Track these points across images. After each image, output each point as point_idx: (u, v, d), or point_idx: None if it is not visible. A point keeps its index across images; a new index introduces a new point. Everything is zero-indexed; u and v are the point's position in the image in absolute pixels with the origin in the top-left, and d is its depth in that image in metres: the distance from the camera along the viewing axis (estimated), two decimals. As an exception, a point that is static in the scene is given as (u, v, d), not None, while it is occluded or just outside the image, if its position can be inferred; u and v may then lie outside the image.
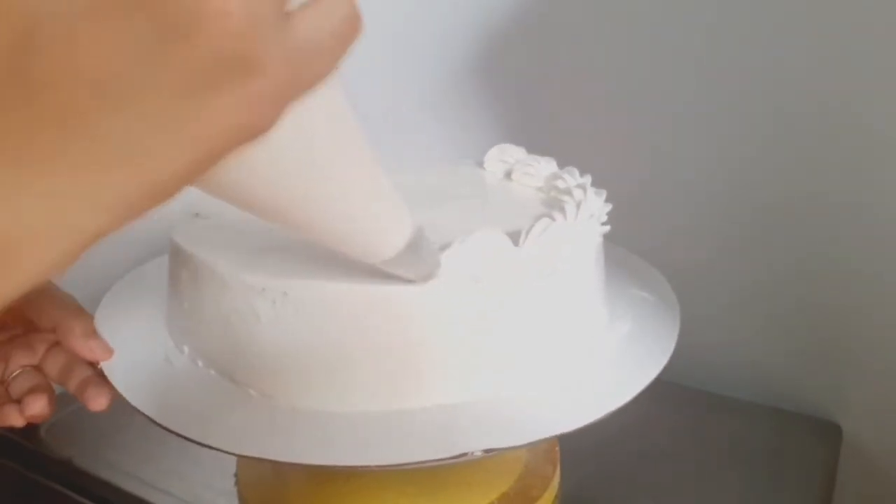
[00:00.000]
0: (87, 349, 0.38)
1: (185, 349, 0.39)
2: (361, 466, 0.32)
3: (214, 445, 0.33)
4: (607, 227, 0.41)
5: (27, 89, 0.16)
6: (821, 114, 0.52)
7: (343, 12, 0.20)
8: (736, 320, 0.60)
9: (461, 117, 0.66)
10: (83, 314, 0.40)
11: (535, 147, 0.49)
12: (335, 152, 0.23)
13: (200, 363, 0.39)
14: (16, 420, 0.37)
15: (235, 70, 0.17)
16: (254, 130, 0.18)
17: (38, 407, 0.37)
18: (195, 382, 0.38)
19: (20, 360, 0.39)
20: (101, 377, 0.38)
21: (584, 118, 0.61)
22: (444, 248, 0.34)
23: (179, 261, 0.39)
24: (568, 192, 0.41)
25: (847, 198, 0.53)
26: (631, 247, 0.49)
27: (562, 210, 0.39)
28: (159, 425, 0.34)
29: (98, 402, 0.37)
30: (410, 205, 0.30)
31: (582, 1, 0.59)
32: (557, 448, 0.47)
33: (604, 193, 0.41)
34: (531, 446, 0.34)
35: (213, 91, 0.17)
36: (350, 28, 0.20)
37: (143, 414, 0.35)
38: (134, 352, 0.39)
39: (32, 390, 0.38)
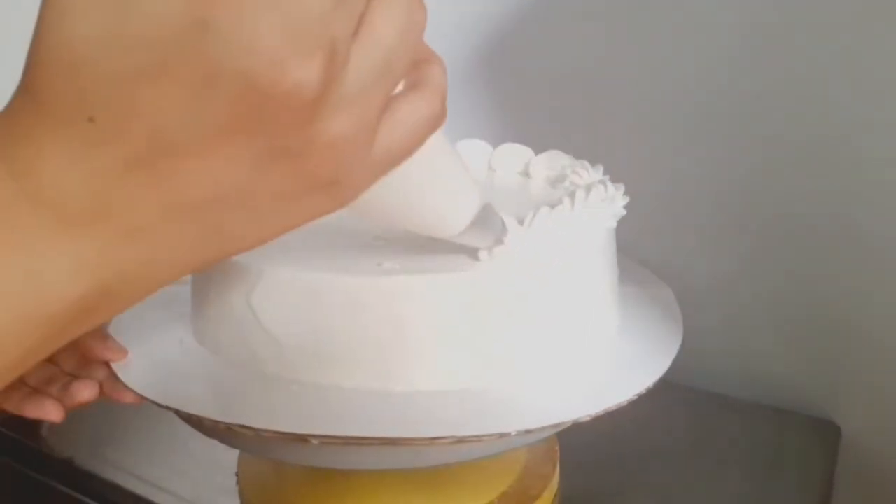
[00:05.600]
0: (103, 349, 0.38)
1: (199, 341, 0.40)
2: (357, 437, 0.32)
3: (213, 417, 0.33)
4: (618, 216, 0.41)
5: (155, 186, 0.18)
6: (827, 128, 0.53)
7: (425, 112, 0.22)
8: (735, 320, 0.60)
9: (463, 116, 0.66)
10: None
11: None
12: (421, 172, 0.26)
13: (209, 349, 0.39)
14: (55, 414, 0.36)
15: (326, 186, 0.20)
16: (325, 215, 0.21)
17: (87, 392, 0.37)
18: (203, 369, 0.38)
19: None
20: (116, 377, 0.38)
21: (590, 125, 0.61)
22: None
23: None
24: (583, 185, 0.42)
25: (847, 209, 0.54)
26: (635, 255, 0.49)
27: (570, 197, 0.39)
28: (159, 405, 0.35)
29: (129, 394, 0.37)
30: None
31: (588, 3, 0.59)
32: (557, 447, 0.47)
33: (622, 187, 0.42)
34: (527, 435, 0.33)
35: (304, 198, 0.20)
36: (431, 124, 0.22)
37: (153, 401, 0.35)
38: (149, 345, 0.40)
39: (54, 379, 0.38)
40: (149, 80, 0.16)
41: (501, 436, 0.33)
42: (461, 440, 0.32)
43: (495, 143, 0.50)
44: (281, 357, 0.36)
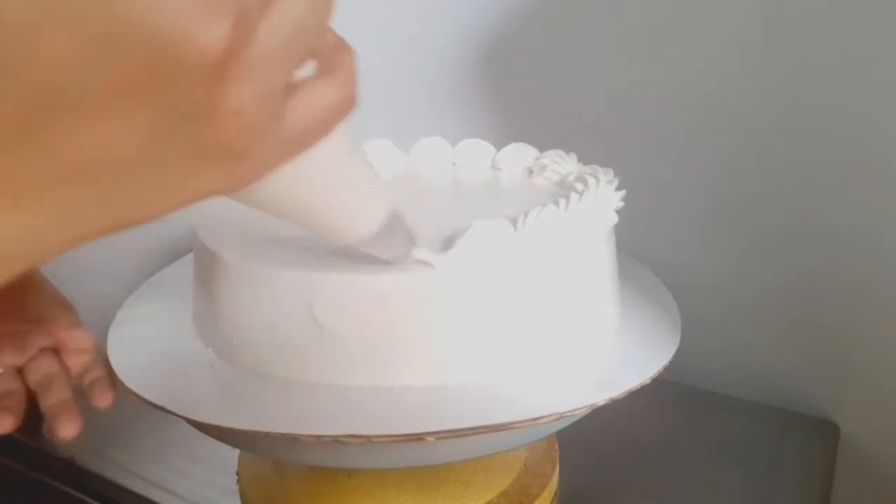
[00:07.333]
0: (70, 338, 0.40)
1: (202, 342, 0.40)
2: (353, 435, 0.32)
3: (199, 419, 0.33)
4: (615, 216, 0.41)
5: (38, 146, 0.17)
6: (828, 131, 0.53)
7: (335, 96, 0.21)
8: (736, 321, 0.60)
9: (465, 116, 0.66)
10: (68, 307, 0.41)
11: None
12: (329, 165, 0.25)
13: (205, 347, 0.39)
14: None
15: (229, 157, 0.19)
16: (228, 192, 0.21)
17: (7, 424, 0.38)
18: (198, 369, 0.38)
19: (6, 360, 0.40)
20: (75, 402, 0.39)
21: (590, 124, 0.61)
22: (449, 239, 0.35)
23: (200, 255, 0.40)
24: (581, 180, 0.42)
25: (847, 210, 0.54)
26: (635, 254, 0.50)
27: (567, 197, 0.39)
28: (168, 411, 0.35)
29: (68, 427, 0.38)
30: (426, 196, 0.31)
31: (588, 3, 0.59)
32: (557, 447, 0.47)
33: (615, 181, 0.42)
34: (514, 428, 0.33)
35: (205, 169, 0.19)
36: (340, 109, 0.22)
37: (153, 404, 0.35)
38: (149, 346, 0.40)
39: (5, 395, 0.39)
40: (46, 30, 0.15)
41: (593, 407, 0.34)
42: (562, 416, 0.33)
43: (495, 143, 0.51)
44: (343, 364, 0.35)
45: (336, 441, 0.32)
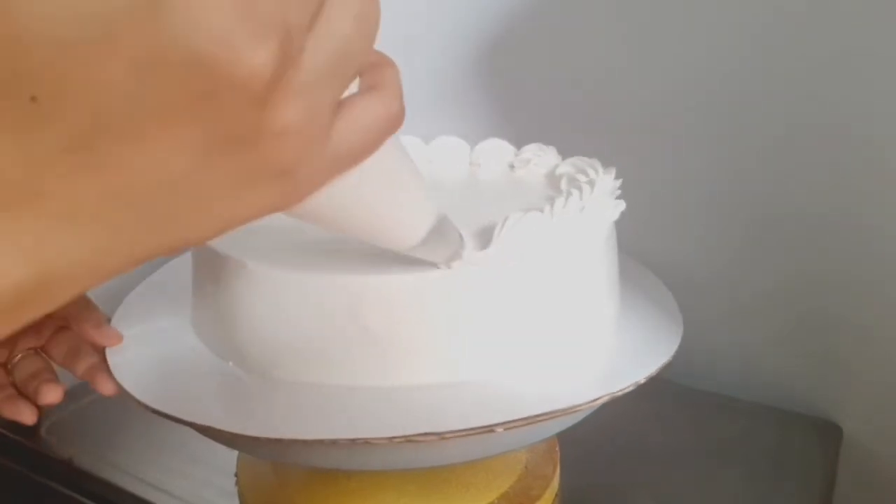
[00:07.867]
0: (99, 335, 0.40)
1: (203, 344, 0.40)
2: (358, 439, 0.32)
3: (209, 424, 0.33)
4: (622, 203, 0.41)
5: (93, 170, 0.17)
6: (825, 127, 0.53)
7: (381, 113, 0.21)
8: (737, 321, 0.60)
9: (464, 115, 0.66)
10: (92, 304, 0.41)
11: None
12: (378, 178, 0.25)
13: (212, 352, 0.39)
14: (28, 417, 0.38)
15: (278, 177, 0.19)
16: (276, 211, 0.21)
17: (51, 396, 0.38)
18: (202, 372, 0.38)
19: (26, 343, 0.41)
20: (107, 364, 0.39)
21: (590, 124, 0.61)
22: (484, 234, 0.36)
23: (204, 258, 0.39)
24: (580, 171, 0.42)
25: (848, 208, 0.54)
26: (634, 254, 0.49)
27: (579, 188, 0.39)
28: (165, 415, 0.34)
29: (108, 386, 0.38)
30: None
31: (587, 2, 0.59)
32: (558, 448, 0.47)
33: (613, 171, 0.42)
34: (515, 425, 0.33)
35: (253, 190, 0.19)
36: (387, 126, 0.22)
37: (148, 406, 0.35)
38: (146, 347, 0.40)
39: (36, 375, 0.39)
40: (95, 56, 0.16)
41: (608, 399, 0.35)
42: (594, 400, 0.34)
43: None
44: (384, 364, 0.35)
45: (408, 441, 0.32)
